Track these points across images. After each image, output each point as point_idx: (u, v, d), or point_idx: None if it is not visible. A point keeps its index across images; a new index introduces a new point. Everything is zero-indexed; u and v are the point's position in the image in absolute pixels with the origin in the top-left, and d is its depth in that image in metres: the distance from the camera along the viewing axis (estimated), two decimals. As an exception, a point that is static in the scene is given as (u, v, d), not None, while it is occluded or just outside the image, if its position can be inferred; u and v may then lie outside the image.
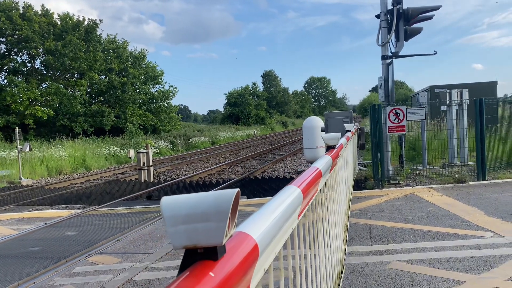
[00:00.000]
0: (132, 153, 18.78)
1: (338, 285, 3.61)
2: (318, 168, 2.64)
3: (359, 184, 9.67)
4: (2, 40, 28.70)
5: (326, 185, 3.26)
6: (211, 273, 0.87)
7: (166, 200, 0.93)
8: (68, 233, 6.92)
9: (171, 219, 0.91)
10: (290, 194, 1.79)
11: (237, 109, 58.72)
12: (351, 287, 3.87)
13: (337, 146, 4.04)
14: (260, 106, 62.79)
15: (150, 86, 37.40)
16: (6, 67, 28.70)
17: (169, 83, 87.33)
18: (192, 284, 0.83)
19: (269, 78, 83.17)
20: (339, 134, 4.11)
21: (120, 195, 11.04)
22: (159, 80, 38.01)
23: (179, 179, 13.76)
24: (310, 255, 2.42)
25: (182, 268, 0.92)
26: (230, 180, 12.90)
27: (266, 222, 1.32)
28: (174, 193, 10.97)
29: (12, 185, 14.73)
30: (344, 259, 4.33)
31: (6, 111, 26.50)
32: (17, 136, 16.10)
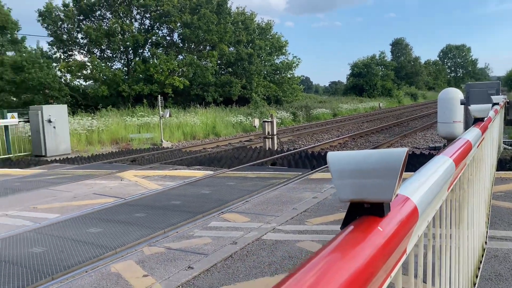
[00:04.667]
0: (256, 122, 19.60)
1: (478, 268, 3.33)
2: (468, 140, 2.42)
3: (503, 164, 8.62)
4: (147, 15, 31.95)
5: (473, 160, 2.98)
6: (379, 227, 0.87)
7: (332, 155, 0.95)
8: (203, 191, 7.60)
9: (338, 172, 0.93)
10: (442, 164, 1.68)
11: (362, 80, 56.44)
12: (493, 272, 3.54)
13: (485, 118, 3.63)
14: (387, 77, 59.35)
15: (275, 57, 38.11)
16: (149, 40, 31.96)
17: (292, 54, 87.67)
18: (362, 235, 0.84)
19: (398, 46, 77.77)
20: (489, 105, 3.70)
21: (247, 160, 11.67)
22: (284, 51, 38.44)
23: (301, 149, 13.97)
24: (455, 234, 2.27)
25: (346, 221, 0.94)
26: (353, 152, 12.62)
27: (423, 187, 1.27)
28: (296, 162, 11.19)
29: (155, 147, 16.64)
30: (486, 243, 3.96)
31: (149, 80, 29.68)
32: (159, 103, 17.98)
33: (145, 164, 11.57)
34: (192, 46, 33.38)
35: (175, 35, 33.49)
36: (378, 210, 0.92)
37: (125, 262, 4.38)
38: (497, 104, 6.28)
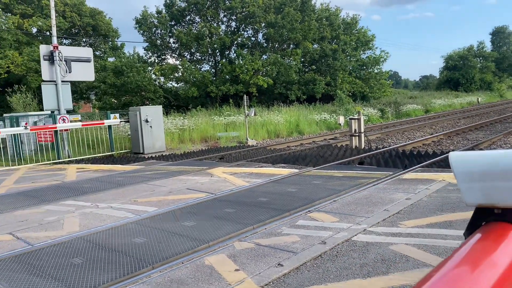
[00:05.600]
0: (341, 119, 19.18)
1: None
2: None
3: None
4: (233, 18, 32.94)
5: None
6: (514, 236, 0.79)
7: (456, 155, 0.88)
8: (289, 189, 7.63)
9: (463, 175, 0.86)
10: None
11: (457, 73, 52.42)
12: None
13: None
14: (487, 69, 54.40)
15: (361, 52, 36.97)
16: (235, 42, 32.93)
17: (380, 48, 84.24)
18: (494, 243, 0.77)
19: (500, 35, 70.66)
20: None
21: (333, 159, 11.47)
22: (370, 45, 37.16)
23: (390, 147, 13.37)
24: None
25: (472, 227, 0.87)
26: (449, 151, 11.77)
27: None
28: (386, 161, 10.74)
29: (241, 144, 17.11)
30: None
31: (235, 81, 30.59)
32: (245, 102, 18.44)
33: (232, 162, 11.94)
34: (276, 45, 33.70)
35: (260, 35, 34.12)
36: (510, 216, 0.83)
37: (217, 255, 4.55)
38: None
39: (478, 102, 41.69)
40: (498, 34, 71.18)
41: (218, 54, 33.07)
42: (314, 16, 33.55)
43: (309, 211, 6.12)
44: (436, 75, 66.84)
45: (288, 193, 7.36)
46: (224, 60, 32.35)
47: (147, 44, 31.99)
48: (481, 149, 11.68)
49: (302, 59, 35.05)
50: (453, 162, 0.87)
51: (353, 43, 35.82)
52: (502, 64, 64.43)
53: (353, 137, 14.09)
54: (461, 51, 54.86)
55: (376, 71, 37.00)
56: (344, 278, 3.77)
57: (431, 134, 17.00)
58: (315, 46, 34.69)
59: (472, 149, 11.88)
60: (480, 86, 52.30)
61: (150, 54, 32.67)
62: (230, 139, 18.68)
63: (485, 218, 0.86)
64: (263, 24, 32.12)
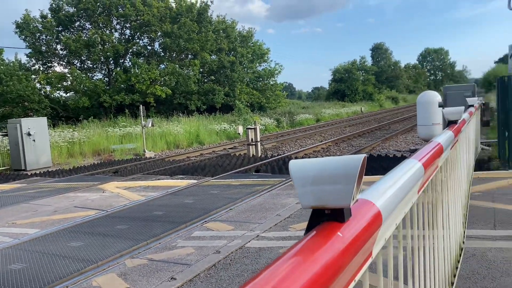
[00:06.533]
0: (240, 129, 19.65)
1: (456, 267, 3.39)
2: (439, 143, 2.48)
3: (481, 164, 8.82)
4: (127, 25, 31.81)
5: (446, 162, 3.05)
6: (339, 233, 0.90)
7: (294, 162, 0.98)
8: (186, 200, 7.57)
9: (300, 180, 0.95)
10: (411, 167, 1.72)
11: (343, 85, 57.17)
12: (470, 271, 3.61)
13: (459, 121, 3.73)
14: (368, 82, 60.24)
15: (257, 64, 38.31)
16: (130, 50, 31.80)
17: (274, 61, 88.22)
18: (322, 241, 0.86)
19: (378, 51, 79.02)
20: (462, 108, 3.79)
21: (231, 168, 11.66)
22: (266, 58, 38.71)
23: (285, 154, 14.03)
24: (428, 235, 2.31)
25: (309, 227, 0.97)
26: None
27: (388, 192, 1.30)
28: (280, 168, 11.24)
29: (138, 157, 16.50)
30: (463, 242, 4.04)
31: (131, 90, 29.48)
32: (141, 113, 17.85)
33: (127, 175, 11.45)
34: (174, 55, 33.33)
35: (156, 44, 33.45)
36: (338, 215, 0.94)
37: (106, 275, 4.32)
38: (472, 106, 6.44)
39: (361, 111, 45.88)
40: (376, 50, 79.49)
41: (111, 62, 31.58)
42: (211, 28, 33.95)
43: (205, 221, 6.13)
44: (326, 86, 72.12)
45: (185, 204, 7.29)
46: (118, 69, 30.99)
47: (30, 50, 29.24)
48: (354, 153, 12.86)
49: (201, 70, 35.16)
50: (291, 169, 0.96)
51: (250, 55, 36.99)
52: (381, 77, 71.98)
53: (250, 146, 14.50)
54: (346, 64, 60.03)
55: (271, 82, 38.62)
56: (236, 285, 3.84)
57: (321, 142, 18.25)
58: (213, 57, 35.07)
59: (356, 153, 13.02)
60: (363, 96, 57.69)
61: (34, 62, 29.91)
62: (126, 152, 17.89)
63: (319, 219, 0.95)
64: (159, 33, 31.55)
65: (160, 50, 33.49)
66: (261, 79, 38.09)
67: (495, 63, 76.61)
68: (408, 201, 1.65)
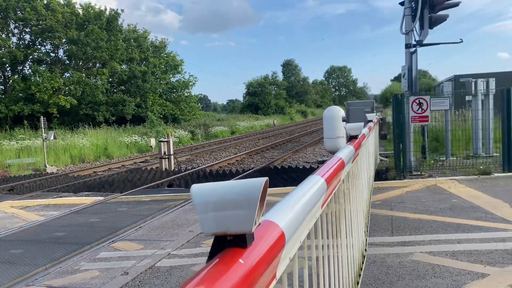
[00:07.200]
0: (153, 142, 19.04)
1: (359, 275, 3.60)
2: (341, 158, 2.62)
3: (380, 175, 9.57)
4: (27, 30, 29.32)
5: (348, 175, 3.24)
6: (240, 260, 0.88)
7: (196, 187, 0.94)
8: (92, 219, 7.09)
9: (201, 205, 0.92)
10: (314, 184, 1.78)
11: (257, 99, 58.67)
12: (372, 277, 3.86)
13: (359, 136, 4.00)
14: (280, 96, 62.58)
15: (170, 75, 37.69)
16: (30, 57, 29.31)
17: (189, 73, 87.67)
18: (223, 270, 0.84)
19: (289, 67, 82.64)
20: (362, 124, 4.07)
21: (142, 183, 11.22)
22: (179, 69, 38.27)
23: (199, 168, 13.89)
24: (333, 245, 2.42)
25: (212, 255, 0.94)
26: (249, 169, 12.95)
27: (292, 211, 1.32)
28: (194, 182, 11.08)
29: (38, 173, 15.14)
30: (366, 250, 4.31)
31: (31, 100, 27.12)
32: (42, 124, 16.47)
33: (25, 193, 10.44)
34: (80, 63, 31.46)
35: (61, 52, 31.28)
36: (241, 241, 0.93)
37: (-5, 309, 3.85)
38: (371, 121, 6.98)
39: (274, 124, 47.40)
40: (287, 66, 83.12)
41: (8, 69, 28.82)
42: (121, 37, 32.72)
43: (112, 241, 5.78)
44: (240, 99, 73.36)
45: (90, 224, 6.82)
46: (16, 76, 28.37)
47: None
48: (275, 166, 13.25)
49: (110, 79, 33.59)
50: (193, 194, 0.93)
51: (163, 66, 36.27)
52: (291, 92, 75.30)
53: (163, 160, 14.12)
54: (259, 79, 61.82)
55: (186, 94, 38.22)
56: (145, 308, 3.66)
57: (235, 154, 18.42)
58: (124, 66, 33.75)
59: (267, 166, 13.36)
60: (275, 110, 59.77)
61: None
62: (24, 167, 16.31)
63: (222, 245, 0.93)
64: (64, 40, 29.56)
65: (65, 57, 31.37)
66: (175, 90, 37.50)
67: (391, 81, 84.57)
68: (312, 217, 1.71)
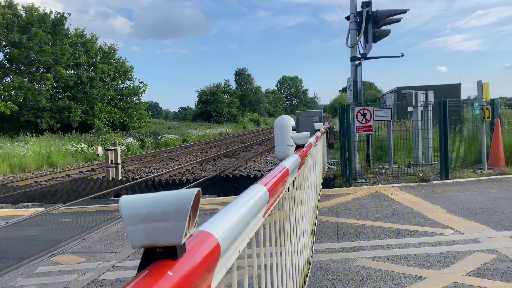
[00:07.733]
0: (100, 150, 18.34)
1: (305, 282, 3.66)
2: (285, 167, 2.67)
3: (328, 182, 9.83)
4: (-38, 31, 27.45)
5: (294, 184, 3.30)
6: (169, 272, 0.87)
7: (125, 199, 0.92)
8: (31, 232, 6.70)
9: (130, 218, 0.90)
10: (256, 193, 1.80)
11: (209, 107, 58.46)
12: (317, 284, 3.94)
13: (306, 145, 4.09)
14: (233, 104, 62.73)
15: (120, 82, 36.67)
16: (-34, 59, 27.46)
17: (139, 79, 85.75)
18: (150, 283, 0.83)
19: (242, 76, 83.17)
20: (308, 133, 4.17)
21: (87, 193, 10.78)
22: (129, 76, 37.35)
23: (148, 177, 13.57)
24: (276, 253, 2.45)
25: (141, 267, 0.92)
26: (200, 178, 12.83)
27: (230, 221, 1.32)
28: (142, 191, 10.81)
29: (-28, 183, 14.11)
30: (311, 256, 4.40)
31: (-34, 105, 25.33)
32: (-22, 131, 15.42)
33: (-45, 205, 9.68)
34: (22, 67, 29.84)
35: (1, 55, 29.50)
36: (171, 253, 0.92)
37: None
38: (319, 131, 7.17)
39: (227, 132, 47.39)
40: (240, 75, 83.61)
41: None
42: (68, 41, 31.46)
43: (52, 254, 5.49)
44: (193, 107, 72.68)
45: (29, 237, 6.45)
46: None
47: None
48: (226, 175, 13.21)
49: (55, 85, 32.12)
50: (122, 206, 0.91)
51: (112, 72, 35.22)
52: (244, 100, 75.76)
53: (110, 168, 13.66)
54: (212, 87, 61.64)
55: (135, 101, 37.30)
56: (86, 324, 3.50)
57: (186, 163, 18.18)
58: (70, 72, 32.42)
59: (219, 175, 13.30)
60: (228, 118, 59.81)
61: None
62: (-44, 177, 15.16)
63: (152, 258, 0.91)
64: (4, 43, 27.94)
65: (6, 61, 29.63)
66: (124, 97, 36.48)
67: (339, 92, 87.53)
68: (254, 226, 1.72)
